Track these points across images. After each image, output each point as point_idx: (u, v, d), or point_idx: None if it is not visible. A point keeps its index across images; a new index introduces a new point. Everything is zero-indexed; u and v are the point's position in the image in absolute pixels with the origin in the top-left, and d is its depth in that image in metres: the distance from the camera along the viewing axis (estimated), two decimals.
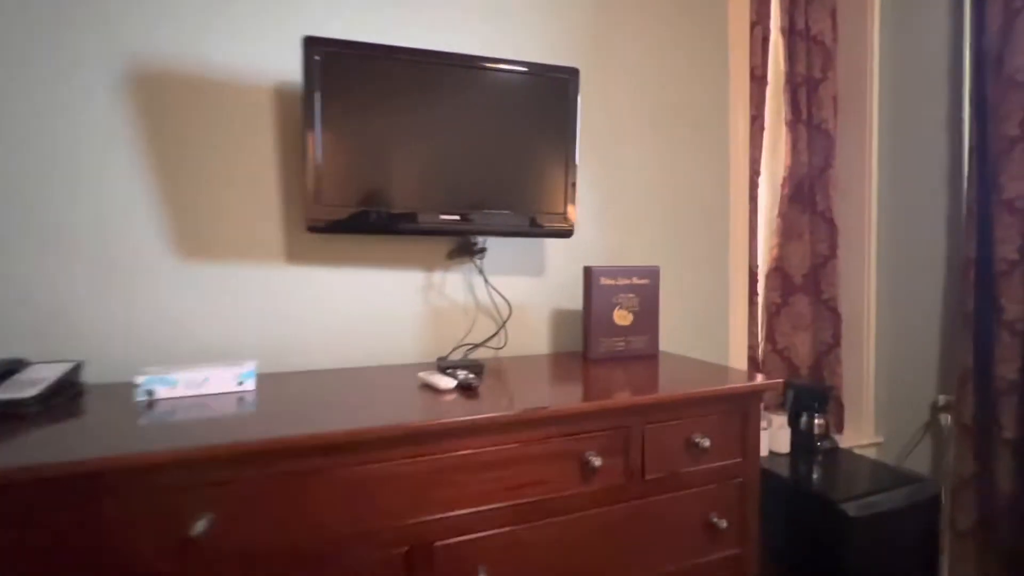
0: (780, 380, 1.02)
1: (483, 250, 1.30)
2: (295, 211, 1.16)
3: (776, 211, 1.87)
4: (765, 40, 1.77)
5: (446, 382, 0.94)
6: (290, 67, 1.15)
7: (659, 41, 1.52)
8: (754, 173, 1.74)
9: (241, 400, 0.87)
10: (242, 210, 1.13)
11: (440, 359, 1.19)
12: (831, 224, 1.84)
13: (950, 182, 1.68)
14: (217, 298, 1.11)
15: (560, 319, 1.40)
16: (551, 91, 1.19)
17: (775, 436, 1.53)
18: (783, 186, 1.86)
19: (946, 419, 1.63)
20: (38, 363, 0.92)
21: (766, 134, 1.86)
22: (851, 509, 1.21)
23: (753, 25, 1.72)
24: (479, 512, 0.82)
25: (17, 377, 0.85)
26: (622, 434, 0.91)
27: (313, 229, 1.07)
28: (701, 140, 1.60)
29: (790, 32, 1.84)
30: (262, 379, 1.03)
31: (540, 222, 1.19)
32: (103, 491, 0.65)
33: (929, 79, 1.72)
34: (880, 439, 1.84)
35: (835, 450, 1.55)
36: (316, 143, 1.04)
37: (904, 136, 1.80)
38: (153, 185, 1.07)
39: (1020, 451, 1.42)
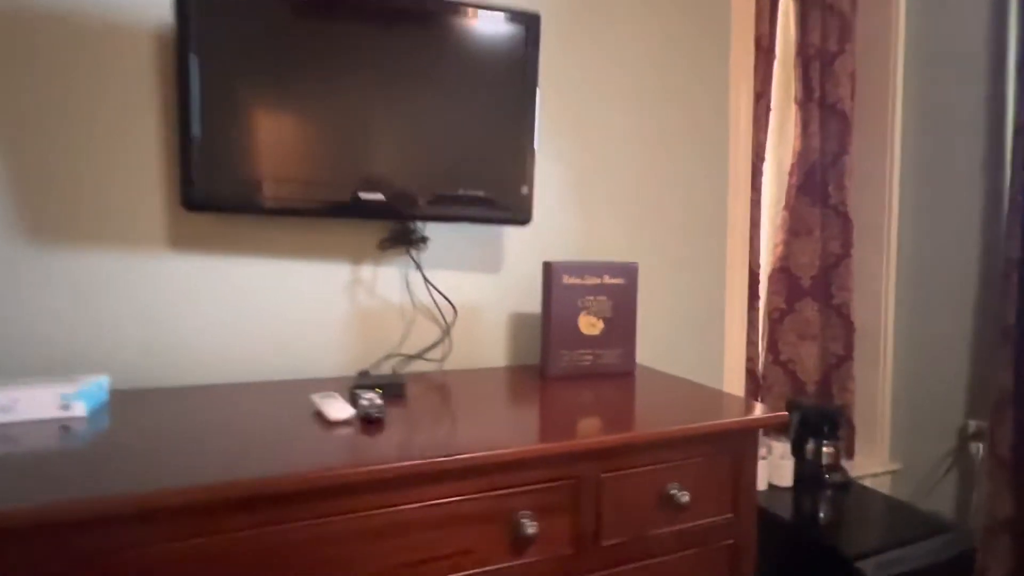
0: (783, 413, 0.78)
1: (423, 239, 1.06)
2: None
3: (782, 203, 1.62)
4: (774, 6, 1.53)
5: (339, 410, 0.70)
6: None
7: (650, 2, 1.28)
8: (757, 159, 1.50)
9: (56, 432, 0.64)
10: (111, 183, 0.89)
11: (361, 373, 0.96)
12: (845, 219, 1.60)
13: (988, 170, 1.44)
14: (73, 293, 0.88)
15: (520, 325, 1.17)
16: (503, 41, 0.95)
17: (776, 467, 1.30)
18: (791, 175, 1.61)
19: (977, 449, 1.40)
20: None
21: (772, 114, 1.62)
22: (869, 569, 0.98)
23: None
24: None
25: None
26: (570, 487, 0.68)
27: (191, 206, 0.83)
28: (696, 117, 1.36)
29: None
30: (117, 398, 0.80)
31: (489, 206, 0.96)
32: None
33: (965, 50, 1.48)
34: (896, 466, 1.61)
35: (847, 484, 1.31)
36: (194, 95, 0.81)
37: (933, 117, 1.55)
38: None
39: None
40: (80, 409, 0.71)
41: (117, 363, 0.90)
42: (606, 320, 1.01)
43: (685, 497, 0.71)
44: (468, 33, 0.93)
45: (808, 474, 1.30)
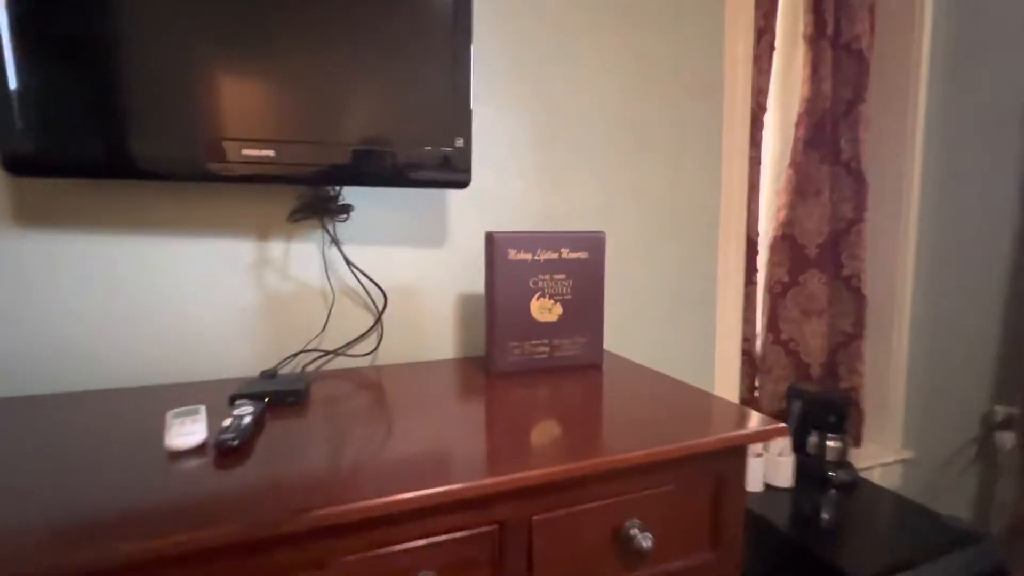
0: (780, 425, 0.60)
1: (346, 209, 0.87)
2: None
3: (786, 160, 1.41)
4: None
5: (184, 436, 0.53)
6: None
7: None
8: (758, 108, 1.29)
9: None
10: None
11: (264, 374, 0.79)
12: (859, 178, 1.39)
13: None
14: None
15: (470, 309, 0.99)
16: None
17: (773, 464, 1.13)
18: (798, 126, 1.40)
19: (1005, 439, 1.23)
20: None
21: (777, 55, 1.39)
22: None
23: None
24: None
25: None
26: (489, 537, 0.51)
27: (13, 168, 0.64)
28: (684, 58, 1.14)
29: None
30: None
31: (416, 165, 0.76)
32: None
33: None
34: (909, 455, 1.44)
35: (854, 484, 1.15)
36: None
37: (966, 60, 1.32)
38: None
39: None
40: None
41: None
42: (565, 303, 0.82)
43: (648, 541, 0.54)
44: None
45: (811, 472, 1.14)
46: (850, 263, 1.44)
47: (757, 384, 1.40)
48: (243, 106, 0.70)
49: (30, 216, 0.74)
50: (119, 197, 0.78)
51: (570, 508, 0.53)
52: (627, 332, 1.14)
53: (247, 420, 0.56)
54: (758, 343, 1.42)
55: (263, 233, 0.85)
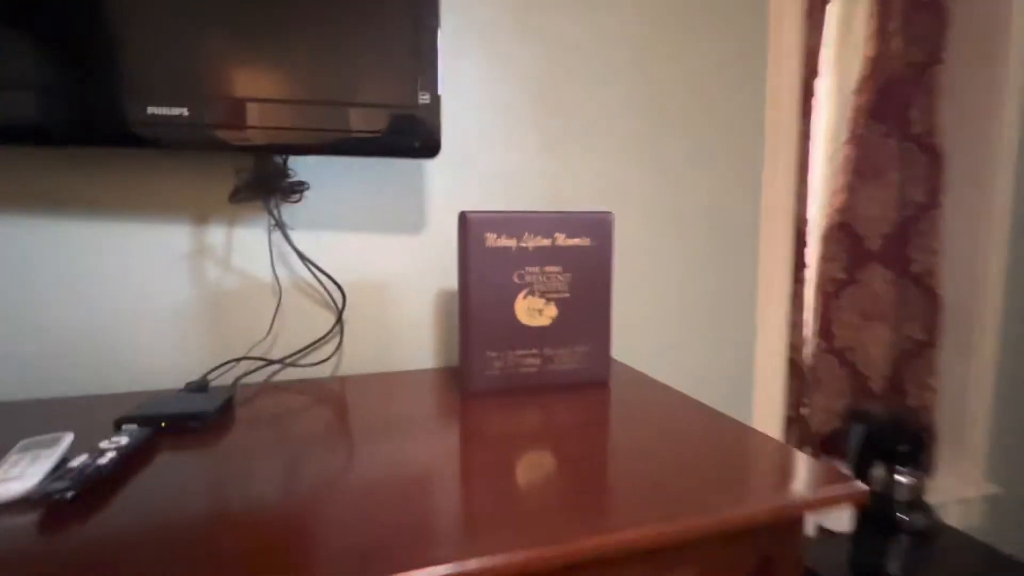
0: (861, 487, 0.41)
1: (299, 187, 0.72)
2: None
3: (844, 135, 1.19)
4: None
5: (3, 484, 0.39)
6: None
7: None
8: (810, 72, 1.07)
9: None
10: None
11: (190, 385, 0.64)
12: (933, 155, 1.15)
13: None
14: None
15: (453, 309, 0.83)
16: None
17: None
18: (859, 94, 1.17)
19: None
20: None
21: (833, 7, 1.17)
22: None
23: None
24: None
25: None
26: None
27: None
28: (720, 6, 0.94)
29: None
30: None
31: (361, 126, 0.60)
32: None
33: None
34: (994, 490, 1.20)
35: (932, 530, 0.92)
36: None
37: None
38: None
39: None
40: None
41: None
42: (561, 303, 0.65)
43: None
44: None
45: (875, 514, 0.93)
46: (921, 257, 1.20)
47: (806, 400, 1.19)
48: (147, 54, 0.55)
49: None
50: (22, 170, 0.65)
51: None
52: (643, 338, 0.95)
53: (104, 460, 0.41)
54: (807, 351, 1.20)
55: (201, 216, 0.71)
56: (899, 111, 1.18)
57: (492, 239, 0.61)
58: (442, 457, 0.47)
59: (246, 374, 0.71)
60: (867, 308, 1.21)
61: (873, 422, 0.97)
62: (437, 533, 0.35)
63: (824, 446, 1.14)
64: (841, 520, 0.92)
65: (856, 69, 1.17)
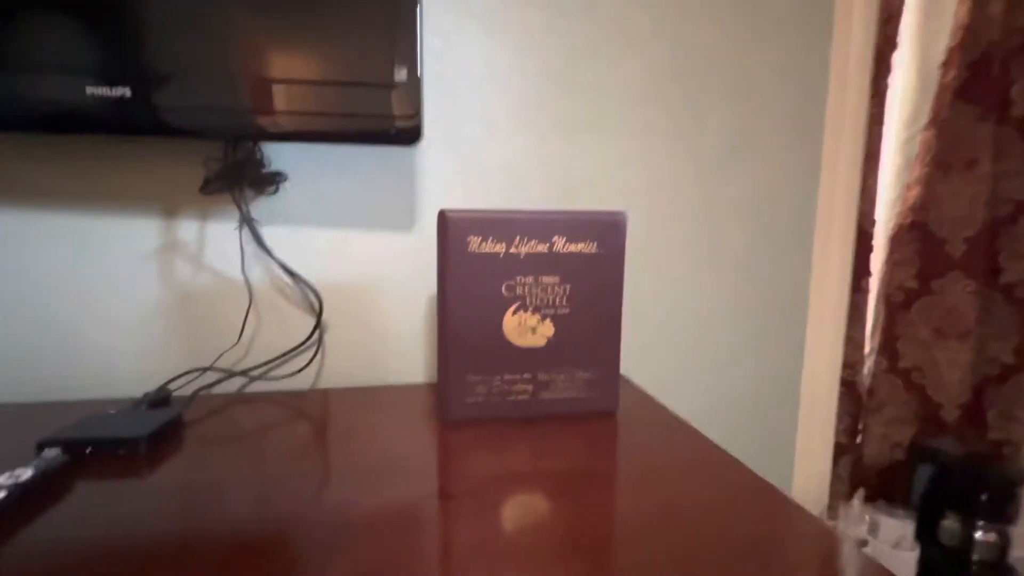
0: None
1: (275, 178, 0.65)
2: None
3: (924, 118, 1.00)
4: None
5: None
6: None
7: None
8: (885, 42, 0.90)
9: None
10: None
11: (148, 396, 0.59)
12: None
13: None
14: None
15: None
16: None
17: (886, 558, 0.78)
18: (946, 68, 0.98)
19: None
20: None
21: None
22: None
23: None
24: None
25: None
26: None
27: None
28: None
29: None
30: None
31: (328, 108, 0.51)
32: None
33: None
34: None
35: None
36: None
37: None
38: None
39: None
40: None
41: None
42: (560, 320, 0.54)
43: None
44: None
45: (947, 574, 0.78)
46: (1013, 266, 1.01)
47: (861, 427, 1.03)
48: (85, 26, 0.48)
49: None
50: None
51: None
52: (668, 354, 0.83)
53: None
54: (865, 370, 1.04)
55: (170, 209, 0.65)
56: (997, 90, 0.98)
57: (476, 243, 0.51)
58: (390, 524, 0.38)
59: (212, 384, 0.65)
60: (943, 323, 1.03)
61: (945, 461, 0.82)
62: None
63: (881, 484, 0.99)
64: None
65: (943, 39, 0.98)
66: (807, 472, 0.95)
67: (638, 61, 0.75)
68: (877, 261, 0.99)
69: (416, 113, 0.53)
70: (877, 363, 1.05)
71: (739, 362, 0.87)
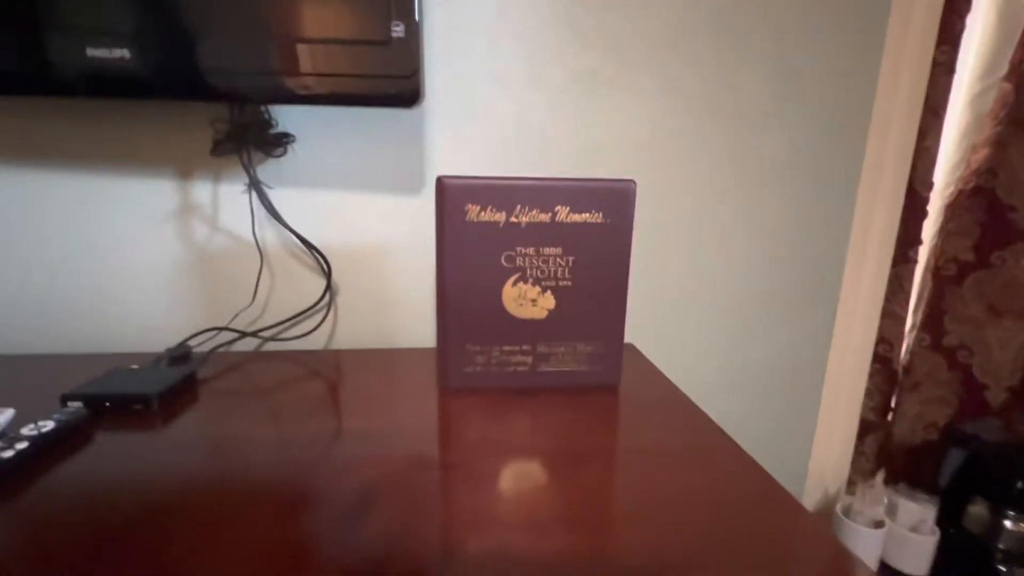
0: None
1: (282, 139, 0.64)
2: None
3: (1003, 68, 0.88)
4: None
5: None
6: None
7: None
8: None
9: None
10: None
11: (170, 351, 0.62)
12: None
13: None
14: None
15: None
16: None
17: (902, 542, 0.76)
18: None
19: None
20: None
21: None
22: None
23: None
24: None
25: None
26: None
27: None
28: None
29: None
30: None
31: (320, 67, 0.49)
32: None
33: None
34: None
35: None
36: None
37: None
38: None
39: None
40: None
41: None
42: (561, 292, 0.53)
43: None
44: None
45: (965, 560, 0.75)
46: None
47: (894, 405, 0.98)
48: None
49: None
50: (7, 123, 0.62)
51: None
52: (680, 317, 0.80)
53: (10, 452, 0.38)
54: (903, 347, 0.98)
55: (184, 170, 0.66)
56: None
57: (475, 211, 0.49)
58: (375, 493, 0.39)
59: (229, 343, 0.68)
60: (999, 300, 0.95)
61: (981, 445, 0.77)
62: None
63: (907, 465, 0.95)
64: (919, 564, 0.75)
65: None
66: (828, 447, 0.92)
67: (667, 10, 0.68)
68: (927, 228, 0.91)
69: (414, 73, 0.50)
70: (919, 339, 0.98)
71: (762, 330, 0.83)
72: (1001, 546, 0.73)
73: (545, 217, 0.50)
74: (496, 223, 0.50)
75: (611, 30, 0.68)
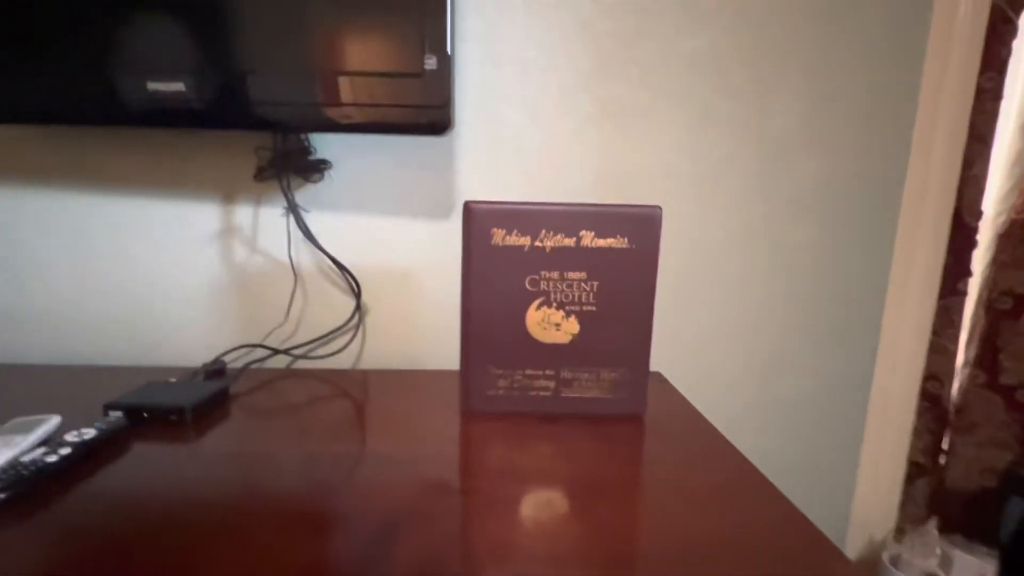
0: None
1: (320, 166, 0.67)
2: None
3: None
4: None
5: None
6: None
7: None
8: (1007, 4, 0.76)
9: None
10: None
11: (207, 366, 0.64)
12: None
13: None
14: None
15: None
16: None
17: None
18: None
19: None
20: None
21: None
22: None
23: None
24: None
25: None
26: None
27: None
28: None
29: None
30: None
31: (358, 99, 0.52)
32: None
33: None
34: None
35: None
36: None
37: None
38: None
39: None
40: None
41: None
42: (586, 317, 0.52)
43: None
44: None
45: None
46: None
47: (946, 446, 0.92)
48: (147, 30, 0.52)
49: None
50: (61, 147, 0.67)
51: None
52: (711, 349, 0.78)
53: (54, 457, 0.40)
54: (955, 385, 0.92)
55: (228, 194, 0.69)
56: None
57: (500, 236, 0.50)
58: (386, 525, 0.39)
59: (262, 359, 0.70)
60: None
61: None
62: None
63: (964, 513, 0.88)
64: None
65: None
66: (873, 489, 0.86)
67: (698, 39, 0.69)
68: (977, 260, 0.86)
69: (445, 103, 0.52)
70: (972, 377, 0.92)
71: (798, 362, 0.80)
72: None
73: (570, 242, 0.51)
74: (521, 247, 0.51)
75: (641, 59, 0.69)
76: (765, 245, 0.76)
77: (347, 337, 0.72)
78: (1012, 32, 0.78)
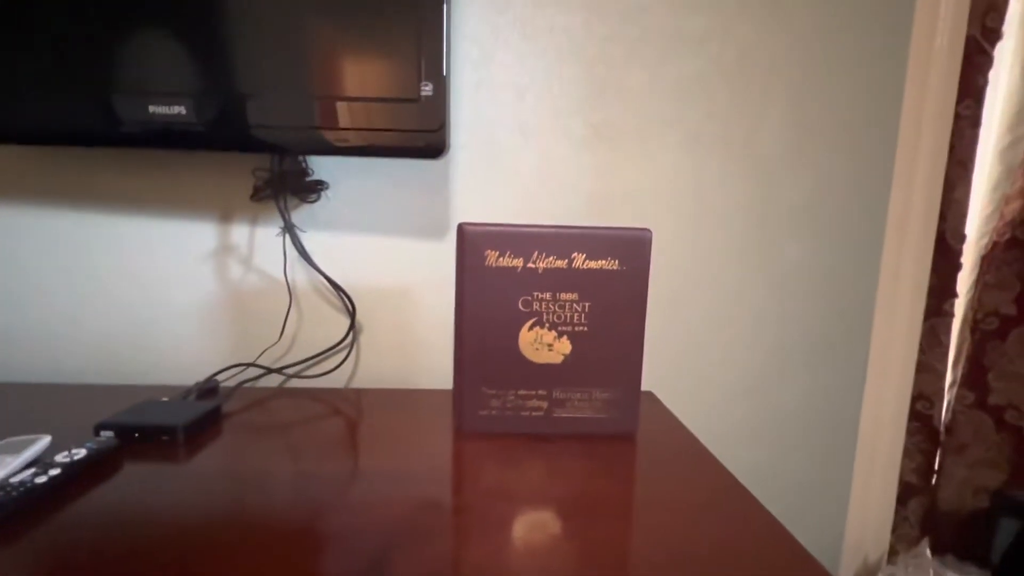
0: None
1: (316, 187, 0.68)
2: None
3: None
4: None
5: None
6: None
7: None
8: (983, 35, 0.80)
9: None
10: None
11: (199, 384, 0.64)
12: None
13: None
14: None
15: None
16: None
17: None
18: None
19: None
20: None
21: None
22: None
23: None
24: None
25: None
26: None
27: None
28: None
29: None
30: None
31: (355, 123, 0.53)
32: None
33: None
34: None
35: None
36: None
37: None
38: None
39: None
40: None
41: None
42: (578, 338, 0.53)
43: None
44: None
45: None
46: None
47: (938, 467, 0.92)
48: (145, 50, 0.53)
49: None
50: (57, 167, 0.68)
51: None
52: (700, 367, 0.79)
53: (43, 478, 0.40)
54: (943, 405, 0.93)
55: (225, 213, 0.70)
56: None
57: (493, 257, 0.51)
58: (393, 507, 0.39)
59: (256, 378, 0.70)
60: None
61: None
62: None
63: (957, 534, 0.88)
64: None
65: None
66: (865, 509, 0.86)
67: (687, 64, 0.71)
68: (962, 281, 0.88)
69: (440, 127, 0.53)
70: (960, 397, 0.93)
71: (787, 381, 0.80)
72: None
73: (562, 263, 0.52)
74: (514, 268, 0.51)
75: (632, 85, 0.71)
76: (751, 264, 0.77)
77: (341, 356, 0.72)
78: (988, 63, 0.81)
